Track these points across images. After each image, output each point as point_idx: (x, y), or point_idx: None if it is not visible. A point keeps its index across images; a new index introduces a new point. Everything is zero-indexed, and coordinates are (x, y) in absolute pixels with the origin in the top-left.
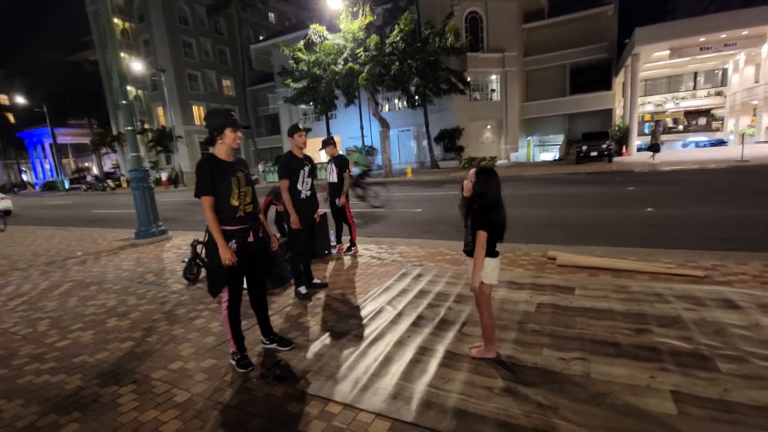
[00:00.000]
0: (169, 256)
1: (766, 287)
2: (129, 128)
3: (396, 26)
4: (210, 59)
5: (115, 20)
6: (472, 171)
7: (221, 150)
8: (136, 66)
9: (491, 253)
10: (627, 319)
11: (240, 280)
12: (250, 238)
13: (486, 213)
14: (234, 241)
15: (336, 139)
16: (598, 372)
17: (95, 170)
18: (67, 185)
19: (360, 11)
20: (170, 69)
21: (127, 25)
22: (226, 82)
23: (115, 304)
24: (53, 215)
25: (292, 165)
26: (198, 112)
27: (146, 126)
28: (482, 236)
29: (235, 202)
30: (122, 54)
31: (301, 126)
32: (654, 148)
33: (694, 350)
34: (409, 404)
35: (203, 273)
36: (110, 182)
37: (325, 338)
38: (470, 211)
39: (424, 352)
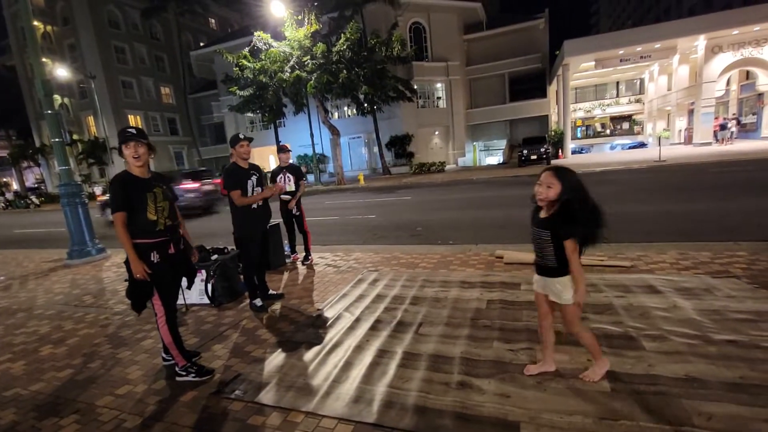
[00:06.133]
0: (108, 276)
1: (682, 273)
2: (57, 140)
3: (342, 35)
4: (146, 65)
5: (36, 23)
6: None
7: (129, 166)
8: (61, 72)
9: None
10: None
11: (171, 291)
12: (171, 250)
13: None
14: (155, 252)
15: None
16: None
17: (15, 186)
18: None
19: (305, 19)
20: (101, 75)
21: (49, 28)
22: (165, 90)
23: (49, 330)
24: None
25: (238, 177)
26: (135, 121)
27: (75, 137)
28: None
29: (152, 217)
30: (44, 59)
31: (241, 136)
32: None
33: (624, 333)
34: (370, 406)
35: None
36: (34, 198)
37: (284, 349)
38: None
39: (383, 354)
